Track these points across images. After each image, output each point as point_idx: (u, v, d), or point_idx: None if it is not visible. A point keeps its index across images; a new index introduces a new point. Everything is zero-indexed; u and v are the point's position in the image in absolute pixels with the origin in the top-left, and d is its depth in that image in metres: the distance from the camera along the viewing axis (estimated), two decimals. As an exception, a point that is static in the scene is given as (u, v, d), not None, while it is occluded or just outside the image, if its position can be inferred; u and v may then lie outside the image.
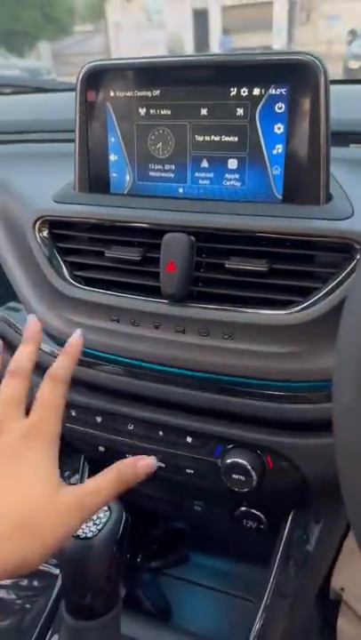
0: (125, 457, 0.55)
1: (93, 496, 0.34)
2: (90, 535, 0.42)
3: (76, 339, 0.41)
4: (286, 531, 0.56)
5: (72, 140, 0.52)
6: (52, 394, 0.37)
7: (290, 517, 0.56)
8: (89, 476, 0.67)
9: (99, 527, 0.42)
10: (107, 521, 0.43)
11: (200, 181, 0.48)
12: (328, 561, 0.65)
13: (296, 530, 0.57)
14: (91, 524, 0.42)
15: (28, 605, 0.98)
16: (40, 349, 0.55)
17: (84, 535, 0.41)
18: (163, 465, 0.53)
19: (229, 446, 0.50)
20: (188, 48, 17.33)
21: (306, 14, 17.26)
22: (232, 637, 0.60)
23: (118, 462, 0.37)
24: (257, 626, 0.55)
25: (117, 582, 0.44)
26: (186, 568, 0.71)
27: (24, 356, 0.39)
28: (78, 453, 0.65)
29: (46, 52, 16.53)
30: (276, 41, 16.22)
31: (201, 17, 17.56)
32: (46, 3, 15.39)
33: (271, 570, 0.56)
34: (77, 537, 0.41)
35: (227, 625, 0.62)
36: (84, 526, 0.42)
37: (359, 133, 0.55)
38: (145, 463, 0.38)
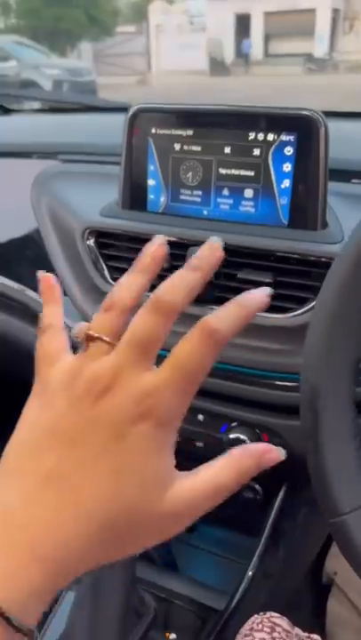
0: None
1: (209, 501, 0.27)
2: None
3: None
4: (277, 503, 0.66)
5: (117, 163, 0.63)
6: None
7: (281, 491, 0.66)
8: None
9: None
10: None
11: (221, 206, 0.59)
12: (318, 541, 0.74)
13: (287, 505, 0.67)
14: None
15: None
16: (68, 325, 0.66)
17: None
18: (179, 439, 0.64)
19: (233, 424, 0.60)
20: (229, 52, 17.44)
21: (349, 23, 17.17)
22: (225, 593, 0.70)
23: (238, 450, 0.28)
24: (243, 585, 0.65)
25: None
26: (193, 536, 0.81)
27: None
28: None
29: (87, 52, 16.84)
30: (318, 48, 16.20)
31: (243, 22, 17.64)
32: (91, 4, 15.71)
33: (261, 537, 0.66)
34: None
35: (222, 582, 0.72)
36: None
37: (359, 171, 0.65)
38: (274, 456, 0.28)
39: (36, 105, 1.28)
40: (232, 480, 0.27)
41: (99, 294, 0.64)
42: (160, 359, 0.27)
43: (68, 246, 0.68)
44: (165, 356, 0.27)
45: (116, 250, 0.64)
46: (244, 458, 0.28)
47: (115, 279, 0.64)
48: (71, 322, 0.67)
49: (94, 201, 0.67)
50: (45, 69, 9.58)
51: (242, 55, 17.41)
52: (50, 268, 0.70)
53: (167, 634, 0.61)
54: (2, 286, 0.73)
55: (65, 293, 0.69)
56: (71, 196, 0.71)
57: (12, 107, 1.19)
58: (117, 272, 0.64)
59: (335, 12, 16.45)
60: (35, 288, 0.74)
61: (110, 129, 0.88)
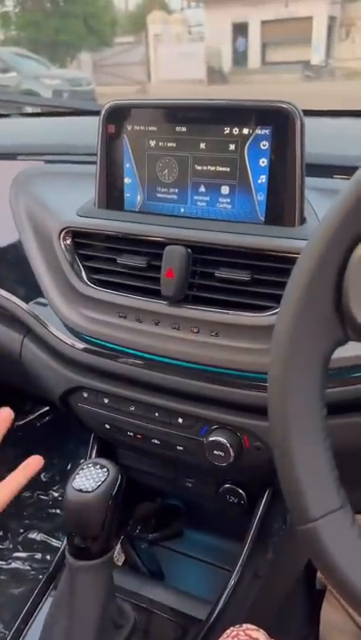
0: (126, 434, 0.65)
1: None
2: (90, 489, 0.51)
3: None
4: (261, 508, 0.64)
5: (93, 163, 0.62)
6: None
7: (265, 496, 0.64)
8: (99, 451, 0.76)
9: (98, 483, 0.51)
10: (105, 479, 0.52)
11: (198, 203, 0.57)
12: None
13: (272, 511, 0.66)
14: (91, 480, 0.52)
15: (40, 576, 1.08)
16: (58, 338, 0.65)
17: (85, 489, 0.51)
18: (157, 442, 0.62)
19: (213, 427, 0.58)
20: (227, 61, 17.55)
21: (345, 30, 17.27)
22: (208, 602, 0.68)
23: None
24: (226, 592, 0.63)
25: (111, 531, 0.53)
26: (179, 542, 0.79)
27: None
28: (89, 431, 0.75)
29: (87, 63, 16.95)
30: (315, 56, 16.29)
31: (240, 30, 17.76)
32: (90, 15, 15.84)
33: (245, 543, 0.65)
34: (80, 490, 0.51)
35: (208, 590, 0.70)
36: (84, 481, 0.51)
37: (341, 167, 0.64)
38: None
39: (25, 110, 1.27)
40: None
41: (76, 296, 0.63)
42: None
43: (46, 247, 0.66)
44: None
45: (92, 250, 0.63)
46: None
47: (91, 280, 0.62)
48: (54, 328, 0.66)
49: (72, 201, 0.66)
50: (45, 80, 9.66)
51: (239, 63, 17.51)
52: (29, 272, 0.69)
53: (147, 644, 0.59)
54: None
55: (44, 296, 0.69)
56: (50, 196, 0.70)
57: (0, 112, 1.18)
58: (94, 272, 0.63)
59: (331, 19, 16.54)
60: (14, 291, 0.73)
61: (86, 131, 0.87)
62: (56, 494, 1.24)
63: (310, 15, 16.22)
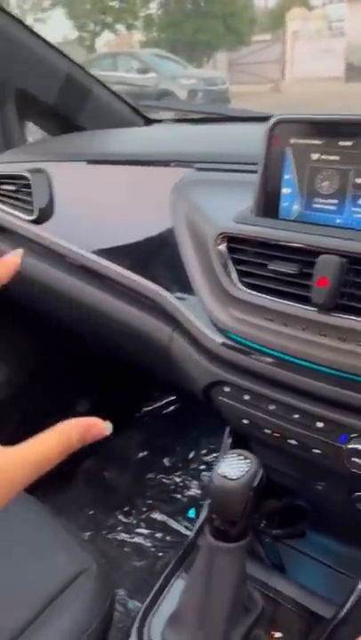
0: (263, 431, 0.68)
1: (24, 471, 0.28)
2: (233, 477, 0.55)
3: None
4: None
5: (251, 172, 0.66)
6: None
7: None
8: (234, 444, 0.81)
9: (241, 473, 0.55)
10: (248, 470, 0.56)
11: (355, 215, 0.59)
12: None
13: None
14: (235, 469, 0.56)
15: (160, 554, 1.16)
16: (205, 334, 0.70)
17: (229, 476, 0.55)
18: (295, 442, 0.65)
19: (353, 435, 0.60)
20: (367, 57, 16.75)
21: None
22: (333, 602, 0.69)
23: (64, 423, 0.30)
24: (353, 597, 0.64)
25: (249, 519, 0.57)
26: (301, 541, 0.81)
27: None
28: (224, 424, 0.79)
29: (222, 62, 17.12)
30: None
31: (385, 24, 16.84)
32: (229, 14, 15.96)
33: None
34: (224, 477, 0.55)
35: (330, 592, 0.71)
36: (229, 469, 0.56)
37: None
38: (97, 430, 0.30)
39: (175, 115, 1.35)
40: (54, 451, 0.28)
41: (227, 297, 0.67)
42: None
43: (201, 251, 0.72)
44: None
45: (245, 255, 0.67)
46: (69, 429, 0.29)
47: (242, 282, 0.66)
48: (203, 326, 0.71)
49: (228, 208, 0.70)
50: (182, 80, 9.95)
51: (382, 59, 16.63)
52: (183, 271, 0.75)
53: (273, 633, 0.62)
54: (140, 286, 0.79)
55: (189, 291, 0.74)
56: (207, 202, 0.75)
57: (153, 117, 1.27)
58: (245, 276, 0.66)
59: None
60: (168, 288, 0.79)
61: (246, 138, 0.91)
62: (178, 480, 1.31)
63: None
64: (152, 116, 1.25)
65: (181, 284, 0.76)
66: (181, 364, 0.77)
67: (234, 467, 0.56)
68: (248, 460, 0.57)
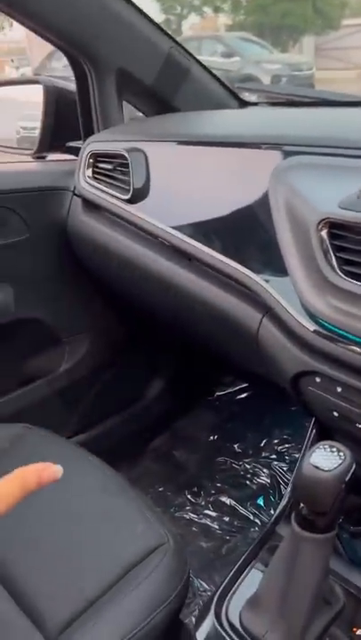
0: (355, 425, 0.66)
1: None
2: (325, 469, 0.54)
3: None
4: None
5: (353, 156, 0.63)
6: None
7: None
8: (318, 435, 0.79)
9: (334, 465, 0.54)
10: (341, 463, 0.54)
11: None
12: None
13: None
14: (328, 461, 0.55)
15: (227, 537, 1.16)
16: (298, 321, 0.69)
17: (321, 467, 0.54)
18: None
19: None
20: None
21: None
22: None
23: (21, 469, 0.36)
24: None
25: (337, 513, 0.55)
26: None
27: None
28: (310, 416, 0.78)
29: (309, 47, 16.58)
30: None
31: None
32: (319, -3, 15.42)
33: None
34: (316, 467, 0.54)
35: None
36: (321, 460, 0.55)
37: None
38: (50, 473, 0.36)
39: (268, 98, 1.32)
40: (14, 493, 0.34)
41: (325, 284, 0.66)
42: None
43: (301, 236, 0.70)
44: None
45: (347, 242, 0.65)
46: (27, 472, 0.36)
47: (343, 271, 0.64)
48: (296, 312, 0.70)
49: (330, 193, 0.68)
50: (266, 65, 9.75)
51: None
52: (277, 256, 0.74)
53: (355, 629, 0.61)
54: (231, 269, 0.79)
55: (288, 279, 0.73)
56: (308, 187, 0.73)
57: (249, 100, 1.25)
58: (346, 264, 0.64)
59: None
60: (260, 272, 0.78)
61: (347, 122, 0.88)
62: (248, 466, 1.31)
63: None
64: (248, 99, 1.23)
65: (275, 269, 0.75)
66: (270, 351, 0.76)
67: (326, 458, 0.55)
68: (342, 453, 0.55)
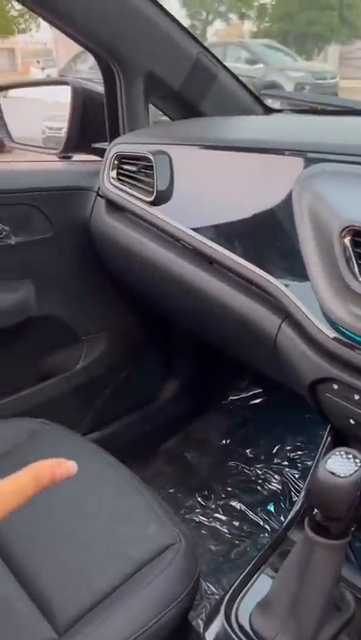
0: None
1: (8, 497, 0.34)
2: (341, 475, 0.54)
3: None
4: None
5: None
6: None
7: None
8: (333, 442, 0.79)
9: (350, 471, 0.54)
10: (357, 469, 0.55)
11: None
12: None
13: None
14: (344, 467, 0.55)
15: (236, 541, 1.16)
16: (318, 328, 0.69)
17: (337, 473, 0.54)
18: None
19: None
20: None
21: None
22: None
23: (36, 464, 0.36)
24: None
25: (352, 519, 0.55)
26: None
27: None
28: (326, 422, 0.78)
29: (333, 55, 16.55)
30: None
31: None
32: (346, 6, 15.38)
33: None
34: (332, 472, 0.54)
35: None
36: (337, 466, 0.55)
37: None
38: (64, 469, 0.36)
39: (292, 105, 1.33)
40: (27, 487, 0.34)
41: (347, 292, 0.66)
42: None
43: (323, 243, 0.70)
44: None
45: (371, 251, 0.65)
46: (41, 468, 0.36)
47: (365, 279, 0.64)
48: (316, 319, 0.70)
49: (355, 201, 0.69)
50: (290, 72, 9.74)
51: None
52: (299, 262, 0.74)
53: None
54: (252, 273, 0.79)
55: (309, 285, 0.73)
56: (333, 194, 0.73)
57: (273, 107, 1.25)
58: (369, 272, 0.65)
59: None
60: (281, 277, 0.78)
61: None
62: (259, 472, 1.31)
63: None
64: (273, 106, 1.23)
65: (296, 274, 0.75)
66: (288, 356, 0.77)
67: (342, 464, 0.55)
68: (358, 460, 0.55)
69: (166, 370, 1.43)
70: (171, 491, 1.28)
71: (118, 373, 1.30)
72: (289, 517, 0.78)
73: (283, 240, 0.80)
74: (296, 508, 0.78)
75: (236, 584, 0.71)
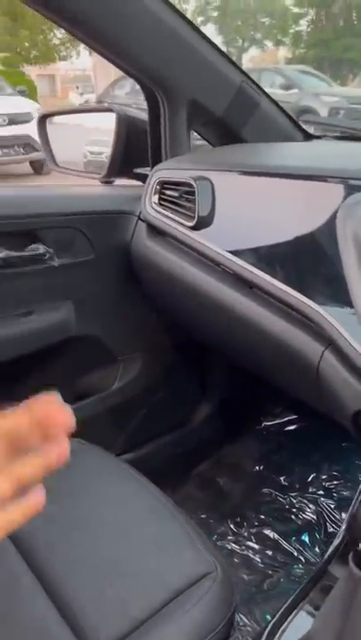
0: None
1: None
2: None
3: None
4: None
5: None
6: None
7: None
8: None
9: None
10: None
11: None
12: None
13: None
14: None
15: (269, 571, 1.14)
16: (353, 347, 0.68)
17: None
18: None
19: None
20: None
21: None
22: None
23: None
24: None
25: None
26: None
27: None
28: None
29: (369, 80, 16.58)
30: None
31: None
32: (382, 32, 15.46)
33: None
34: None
35: None
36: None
37: None
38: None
39: (331, 132, 1.33)
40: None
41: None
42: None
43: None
44: None
45: None
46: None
47: None
48: (359, 345, 0.69)
49: None
50: (324, 97, 9.78)
51: None
52: (342, 288, 0.73)
53: None
54: (294, 299, 0.79)
55: (353, 313, 0.72)
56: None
57: (314, 133, 1.26)
58: None
59: None
60: (323, 304, 0.78)
61: None
62: (294, 500, 1.29)
63: None
64: (314, 132, 1.24)
65: (339, 301, 0.74)
66: (331, 385, 0.76)
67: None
68: None
69: (200, 392, 1.42)
70: (202, 516, 1.26)
71: (153, 395, 1.30)
72: (330, 550, 0.76)
73: (325, 266, 0.80)
74: (337, 541, 0.76)
75: (274, 620, 0.69)
